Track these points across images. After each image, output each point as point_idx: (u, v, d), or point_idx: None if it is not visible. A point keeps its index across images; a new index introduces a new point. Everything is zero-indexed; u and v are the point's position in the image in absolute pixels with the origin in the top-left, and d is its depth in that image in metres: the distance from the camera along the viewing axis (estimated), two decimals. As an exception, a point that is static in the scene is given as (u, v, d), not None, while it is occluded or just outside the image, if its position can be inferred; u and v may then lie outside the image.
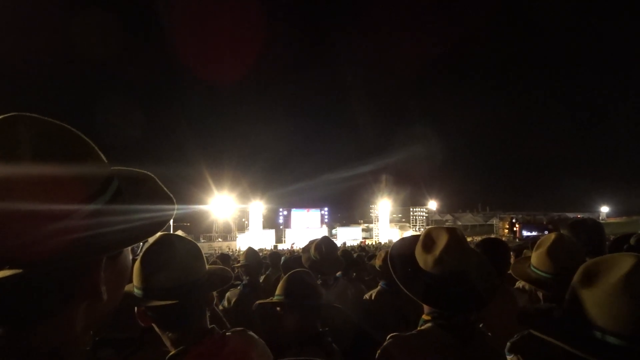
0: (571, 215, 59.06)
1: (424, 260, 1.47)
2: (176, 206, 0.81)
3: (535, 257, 2.00)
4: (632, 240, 2.65)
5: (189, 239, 1.38)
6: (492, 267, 1.61)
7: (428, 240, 1.50)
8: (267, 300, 2.10)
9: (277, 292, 2.04)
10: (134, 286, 1.28)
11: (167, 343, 1.27)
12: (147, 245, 1.31)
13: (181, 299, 1.24)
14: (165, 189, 0.83)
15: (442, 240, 1.45)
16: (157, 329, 1.29)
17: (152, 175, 0.85)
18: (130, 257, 0.79)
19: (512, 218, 61.27)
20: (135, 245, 0.78)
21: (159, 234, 1.30)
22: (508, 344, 1.55)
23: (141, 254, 1.30)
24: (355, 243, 33.95)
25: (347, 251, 5.61)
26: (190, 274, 1.28)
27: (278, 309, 1.99)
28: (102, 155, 0.69)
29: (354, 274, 4.90)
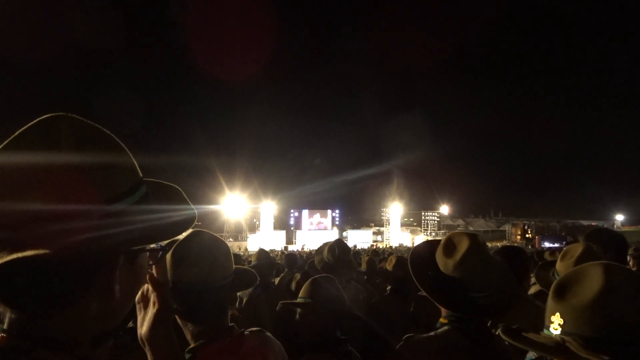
0: (585, 223, 58.43)
1: (444, 264, 1.48)
2: (196, 217, 0.85)
3: (563, 268, 1.99)
4: None
5: (220, 237, 1.41)
6: (513, 276, 1.61)
7: (449, 244, 1.51)
8: (291, 301, 2.12)
9: (301, 294, 2.05)
10: None
11: (188, 336, 1.30)
12: (180, 239, 1.34)
13: (206, 295, 1.27)
14: (189, 201, 0.88)
15: (463, 245, 1.46)
16: (179, 321, 1.32)
17: (179, 189, 0.90)
18: (147, 262, 0.82)
19: (524, 224, 60.82)
20: (156, 249, 0.82)
21: (193, 230, 1.34)
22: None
23: (173, 247, 1.33)
24: (366, 246, 33.91)
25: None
26: (218, 272, 1.32)
27: (299, 310, 2.00)
28: (135, 163, 0.74)
29: (365, 277, 4.91)
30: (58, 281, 0.63)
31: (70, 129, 0.65)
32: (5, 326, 0.65)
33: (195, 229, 1.36)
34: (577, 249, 2.00)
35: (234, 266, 1.42)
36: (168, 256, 1.32)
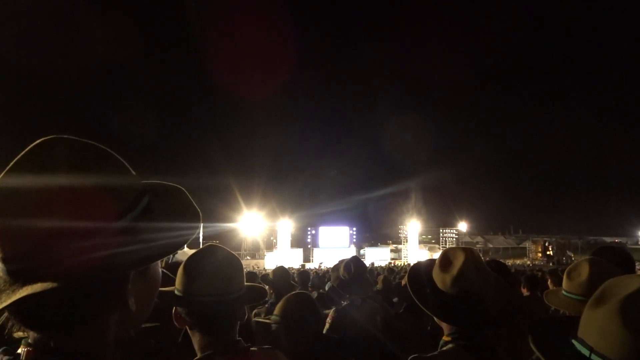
0: (608, 239, 57.16)
1: (442, 280, 1.49)
2: (202, 223, 0.84)
3: (566, 281, 2.03)
4: None
5: (233, 253, 1.44)
6: (510, 289, 1.63)
7: (445, 260, 1.53)
8: (264, 319, 2.14)
9: (275, 311, 2.08)
10: (176, 288, 1.36)
11: (196, 347, 1.33)
12: (194, 252, 1.39)
13: (217, 308, 1.31)
14: (194, 203, 0.87)
15: (459, 260, 1.48)
16: (189, 332, 1.36)
17: (183, 189, 0.88)
18: (160, 269, 0.84)
19: (545, 241, 59.75)
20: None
21: (208, 244, 1.41)
22: None
23: (186, 259, 1.38)
24: (384, 263, 33.64)
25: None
26: (230, 286, 1.35)
27: (274, 327, 2.02)
28: (133, 172, 0.75)
29: (380, 296, 4.89)
30: (71, 304, 0.65)
31: (67, 150, 0.66)
32: (30, 340, 0.67)
33: (210, 244, 1.41)
34: (579, 261, 2.03)
35: (245, 281, 1.45)
36: (181, 269, 1.37)
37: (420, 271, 1.64)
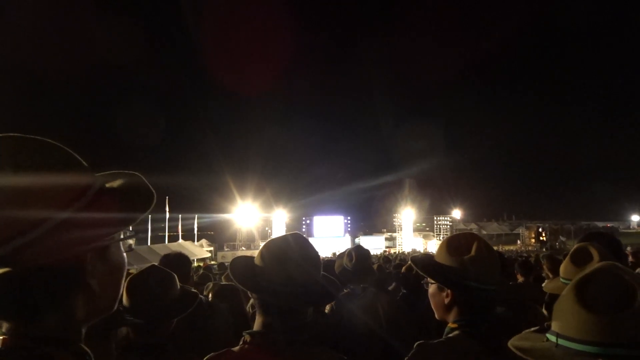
0: (600, 224, 57.67)
1: (459, 262, 1.46)
2: (152, 205, 0.83)
3: (562, 268, 2.05)
4: None
5: (311, 248, 1.38)
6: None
7: (457, 243, 1.51)
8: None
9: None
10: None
11: None
12: (275, 236, 1.37)
13: (268, 297, 1.27)
14: (149, 187, 0.85)
15: (473, 242, 1.48)
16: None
17: (138, 174, 0.87)
18: (123, 250, 0.84)
19: (538, 227, 60.08)
20: (127, 240, 0.84)
21: (292, 232, 1.38)
22: None
23: (269, 240, 1.37)
24: (379, 252, 33.72)
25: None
26: (287, 279, 1.28)
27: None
28: (84, 164, 0.77)
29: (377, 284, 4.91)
30: (27, 290, 0.68)
31: (9, 149, 0.69)
32: (3, 329, 0.70)
33: (295, 232, 1.38)
34: (573, 247, 2.04)
35: (317, 280, 1.37)
36: (260, 255, 1.35)
37: (422, 257, 1.64)
